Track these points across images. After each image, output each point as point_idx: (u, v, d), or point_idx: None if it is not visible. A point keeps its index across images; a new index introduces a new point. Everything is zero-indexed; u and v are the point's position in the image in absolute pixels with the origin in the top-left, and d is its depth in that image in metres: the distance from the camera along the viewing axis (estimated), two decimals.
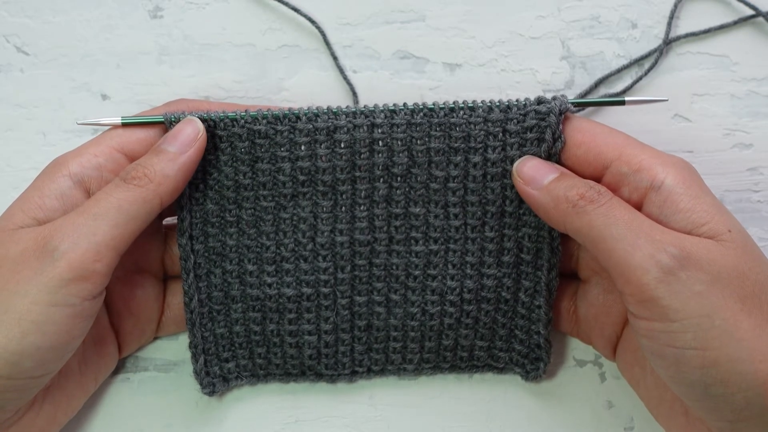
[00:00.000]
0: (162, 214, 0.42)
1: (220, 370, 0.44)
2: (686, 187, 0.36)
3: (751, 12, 0.46)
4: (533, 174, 0.39)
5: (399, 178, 0.41)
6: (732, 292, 0.34)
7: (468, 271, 0.42)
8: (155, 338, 0.46)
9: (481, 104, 0.40)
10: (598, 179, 0.39)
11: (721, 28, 0.47)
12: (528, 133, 0.40)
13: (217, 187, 0.42)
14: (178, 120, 0.40)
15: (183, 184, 0.40)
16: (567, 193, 0.37)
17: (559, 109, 0.40)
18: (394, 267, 0.43)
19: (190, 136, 0.39)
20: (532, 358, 0.44)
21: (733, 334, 0.33)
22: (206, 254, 0.43)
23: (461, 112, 0.40)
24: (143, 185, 0.38)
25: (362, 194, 0.42)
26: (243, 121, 0.40)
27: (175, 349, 0.46)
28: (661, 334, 0.34)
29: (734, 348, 0.33)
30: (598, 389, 0.46)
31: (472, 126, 0.40)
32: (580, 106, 0.44)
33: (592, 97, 0.46)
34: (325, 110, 0.40)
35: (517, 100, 0.40)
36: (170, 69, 0.48)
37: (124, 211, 0.37)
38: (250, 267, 0.43)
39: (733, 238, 0.35)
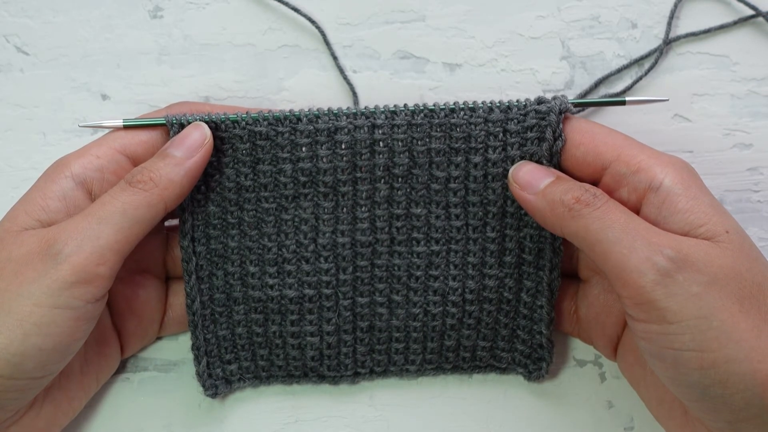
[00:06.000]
0: (164, 216, 0.42)
1: (222, 372, 0.44)
2: (685, 188, 0.36)
3: (751, 12, 0.46)
4: (529, 179, 0.39)
5: (400, 179, 0.41)
6: (729, 294, 0.34)
7: (470, 271, 0.42)
8: (157, 338, 0.46)
9: (481, 105, 0.40)
10: (597, 180, 0.39)
11: (721, 28, 0.47)
12: (528, 132, 0.40)
13: (218, 188, 0.42)
14: (179, 122, 0.40)
15: (188, 189, 0.40)
16: (563, 197, 0.37)
17: (559, 108, 0.40)
18: (395, 268, 0.43)
19: (197, 141, 0.39)
20: (534, 358, 0.44)
21: (731, 335, 0.33)
22: (208, 256, 0.43)
23: (462, 113, 0.40)
24: (148, 189, 0.38)
25: (363, 195, 0.42)
26: (244, 122, 0.40)
27: (175, 349, 0.46)
28: (659, 336, 0.34)
29: (732, 349, 0.33)
30: (598, 389, 0.46)
31: (473, 126, 0.40)
32: (581, 106, 0.44)
33: (593, 97, 0.46)
34: (326, 111, 0.40)
35: (517, 101, 0.40)
36: (170, 69, 0.48)
37: (128, 215, 0.37)
38: (251, 268, 0.43)
39: (731, 239, 0.35)
